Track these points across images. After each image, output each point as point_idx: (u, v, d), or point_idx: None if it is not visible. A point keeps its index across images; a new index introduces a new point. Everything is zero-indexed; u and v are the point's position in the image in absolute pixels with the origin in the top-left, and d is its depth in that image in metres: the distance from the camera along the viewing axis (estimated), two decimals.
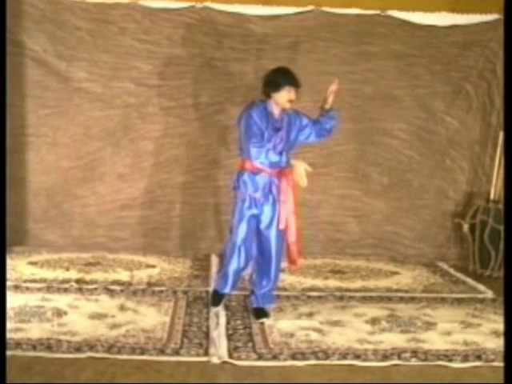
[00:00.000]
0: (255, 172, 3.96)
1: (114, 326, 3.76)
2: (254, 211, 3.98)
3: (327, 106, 4.09)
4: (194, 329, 3.80)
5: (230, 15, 5.59)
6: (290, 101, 3.92)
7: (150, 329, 3.74)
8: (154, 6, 5.55)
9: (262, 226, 4.00)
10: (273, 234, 4.00)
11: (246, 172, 3.98)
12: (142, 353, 3.38)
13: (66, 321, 3.85)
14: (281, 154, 3.90)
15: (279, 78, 3.92)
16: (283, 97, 3.90)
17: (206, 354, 3.41)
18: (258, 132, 3.85)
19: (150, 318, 3.95)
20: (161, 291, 4.54)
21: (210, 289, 4.55)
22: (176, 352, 3.43)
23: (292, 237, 4.05)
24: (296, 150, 5.82)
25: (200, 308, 4.20)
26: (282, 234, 4.02)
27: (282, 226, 3.98)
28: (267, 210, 3.98)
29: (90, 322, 3.83)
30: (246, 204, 3.97)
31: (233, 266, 4.08)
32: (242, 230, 4.00)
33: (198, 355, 3.40)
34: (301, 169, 3.82)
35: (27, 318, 3.84)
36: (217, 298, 4.21)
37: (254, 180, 3.96)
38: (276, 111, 3.97)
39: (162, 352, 3.41)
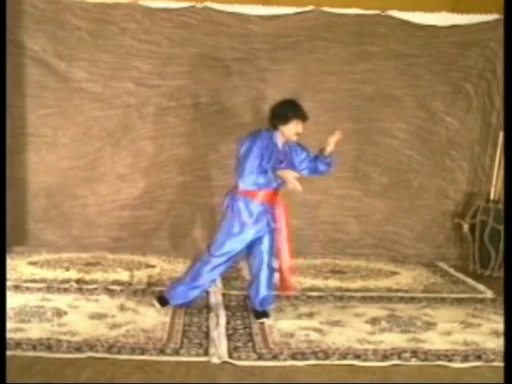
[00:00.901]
0: (249, 198, 3.89)
1: (114, 326, 3.76)
2: (246, 236, 3.94)
3: (326, 154, 4.06)
4: (193, 329, 3.80)
5: (230, 15, 5.59)
6: (297, 134, 3.91)
7: (149, 329, 3.74)
8: (154, 5, 5.55)
9: (256, 246, 4.00)
10: (265, 251, 3.99)
11: (241, 197, 3.91)
12: (142, 353, 3.38)
13: (66, 321, 3.85)
14: (266, 173, 3.84)
15: (288, 110, 3.89)
16: (291, 129, 3.88)
17: (206, 353, 3.42)
18: (255, 163, 3.79)
19: (150, 317, 3.95)
20: (161, 291, 4.53)
21: (210, 289, 4.56)
22: (176, 352, 3.43)
23: (285, 264, 4.04)
24: None
25: (200, 308, 4.19)
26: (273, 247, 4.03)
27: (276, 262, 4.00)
28: (260, 233, 3.97)
29: (90, 322, 3.83)
30: (236, 229, 3.93)
31: (198, 282, 4.05)
32: (225, 251, 3.97)
33: (198, 355, 3.40)
34: (290, 177, 3.80)
35: (27, 318, 3.84)
36: (165, 301, 4.17)
37: (248, 208, 3.91)
38: (280, 143, 3.95)
39: (162, 352, 3.41)
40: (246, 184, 3.82)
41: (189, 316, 4.03)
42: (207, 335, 3.69)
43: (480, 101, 5.83)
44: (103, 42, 5.56)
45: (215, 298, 4.40)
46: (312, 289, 4.77)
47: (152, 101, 5.68)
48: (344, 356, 3.43)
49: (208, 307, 4.21)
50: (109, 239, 5.77)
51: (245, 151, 3.82)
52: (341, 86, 5.76)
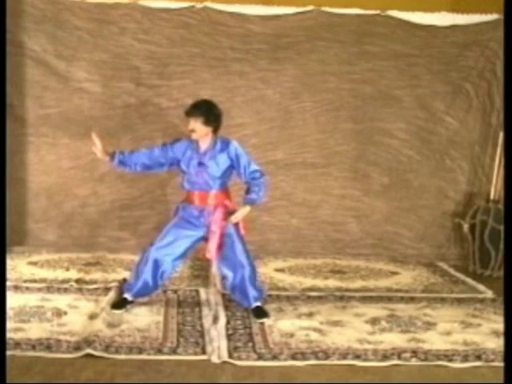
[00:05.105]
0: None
1: (109, 325, 3.76)
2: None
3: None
4: (188, 327, 3.81)
5: (230, 15, 5.59)
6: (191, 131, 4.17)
7: (144, 328, 3.74)
8: (154, 5, 5.55)
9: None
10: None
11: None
12: (140, 352, 3.39)
13: (66, 321, 3.85)
14: None
15: None
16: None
17: (204, 352, 3.43)
18: None
19: (144, 317, 3.95)
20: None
21: (201, 288, 4.58)
22: (173, 351, 3.44)
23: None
24: (295, 150, 5.86)
25: (192, 307, 4.21)
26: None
27: (208, 255, 4.11)
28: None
29: (90, 322, 3.82)
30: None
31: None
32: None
33: (195, 354, 3.41)
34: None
35: (27, 318, 3.84)
36: (123, 303, 4.15)
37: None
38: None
39: (159, 351, 3.42)
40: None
41: (181, 315, 4.03)
42: (202, 334, 3.69)
43: (480, 101, 5.83)
44: (103, 42, 5.56)
45: (215, 297, 4.39)
46: (312, 289, 4.77)
47: (152, 101, 5.67)
48: (344, 356, 3.43)
49: (200, 306, 4.22)
50: (109, 239, 5.77)
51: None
52: (341, 86, 5.77)
